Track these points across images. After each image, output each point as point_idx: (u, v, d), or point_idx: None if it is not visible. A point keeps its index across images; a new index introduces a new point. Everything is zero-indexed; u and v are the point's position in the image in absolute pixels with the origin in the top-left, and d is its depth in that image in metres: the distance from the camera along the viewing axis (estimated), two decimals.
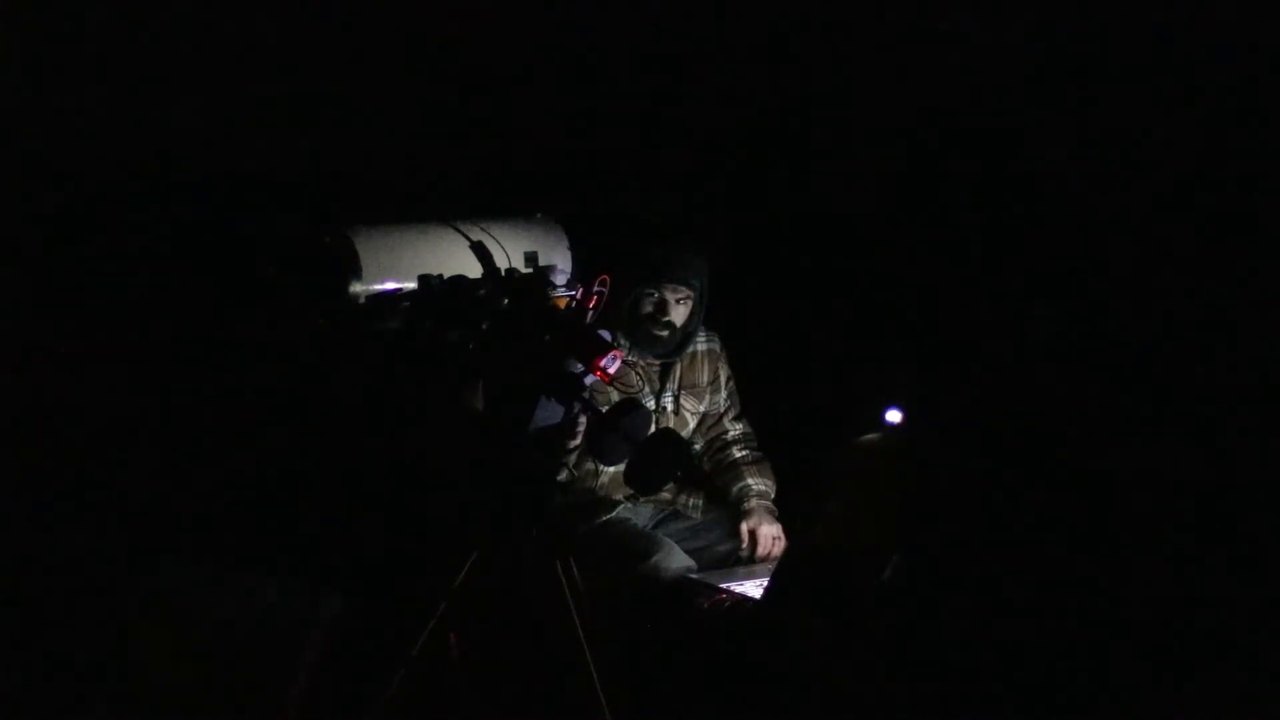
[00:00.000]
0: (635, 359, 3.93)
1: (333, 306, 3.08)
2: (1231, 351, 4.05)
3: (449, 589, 3.13)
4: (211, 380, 4.47)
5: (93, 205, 4.42)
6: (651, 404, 3.98)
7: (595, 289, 3.12)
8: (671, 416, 4.03)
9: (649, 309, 3.91)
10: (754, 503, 4.05)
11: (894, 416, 3.18)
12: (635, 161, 4.77)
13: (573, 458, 3.73)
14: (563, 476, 3.86)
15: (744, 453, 4.15)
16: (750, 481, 4.08)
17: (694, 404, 4.09)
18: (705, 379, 4.10)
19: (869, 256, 4.64)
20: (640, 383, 3.95)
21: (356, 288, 3.05)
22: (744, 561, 3.99)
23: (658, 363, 4.00)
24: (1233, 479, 3.93)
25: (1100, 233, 4.28)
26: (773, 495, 4.09)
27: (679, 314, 3.93)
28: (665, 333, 3.92)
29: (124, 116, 4.44)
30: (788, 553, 3.86)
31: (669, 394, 4.03)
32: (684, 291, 3.91)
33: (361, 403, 4.42)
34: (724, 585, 3.71)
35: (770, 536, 4.00)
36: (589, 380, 3.06)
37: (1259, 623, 3.59)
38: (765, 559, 3.97)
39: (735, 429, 4.18)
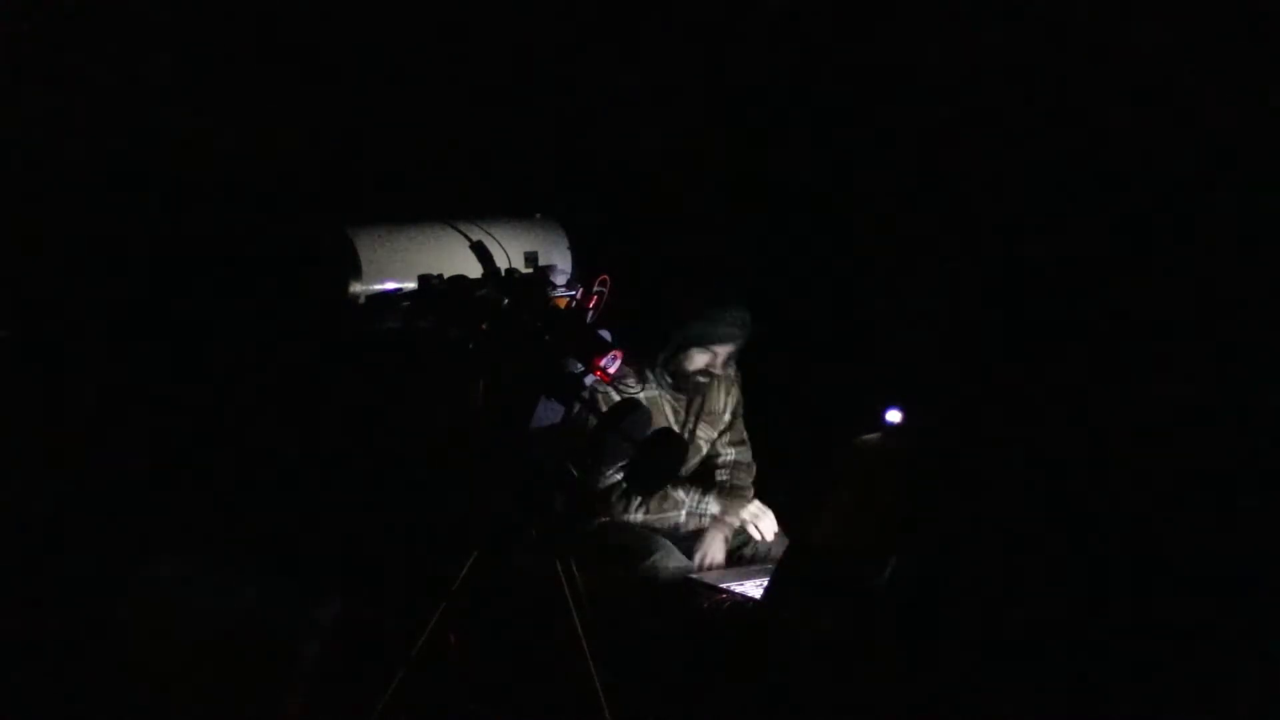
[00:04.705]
0: (663, 393, 3.98)
1: (333, 306, 3.07)
2: (1227, 350, 4.06)
3: (449, 589, 3.13)
4: (211, 380, 4.47)
5: (93, 205, 4.42)
6: None
7: (595, 289, 3.12)
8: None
9: (700, 363, 3.95)
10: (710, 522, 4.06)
11: (894, 416, 3.18)
12: (635, 159, 4.77)
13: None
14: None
15: (724, 477, 4.16)
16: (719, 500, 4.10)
17: (708, 431, 4.13)
18: (721, 405, 4.13)
19: (870, 255, 4.64)
20: (675, 416, 4.00)
21: (356, 288, 3.05)
22: (744, 561, 4.00)
23: (684, 396, 4.04)
24: (1232, 478, 3.93)
25: (1101, 233, 4.28)
26: (733, 518, 4.07)
27: (722, 363, 4.00)
28: (706, 379, 3.98)
29: (124, 116, 4.44)
30: (788, 553, 3.85)
31: (690, 423, 4.06)
32: (735, 345, 3.97)
33: (361, 403, 4.42)
34: (724, 585, 3.72)
35: (712, 555, 4.00)
36: (589, 380, 3.06)
37: (1258, 622, 3.60)
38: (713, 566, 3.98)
39: (728, 454, 4.19)
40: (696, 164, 4.77)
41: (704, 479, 4.12)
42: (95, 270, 4.41)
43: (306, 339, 4.22)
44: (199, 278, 4.47)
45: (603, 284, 3.12)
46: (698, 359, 3.95)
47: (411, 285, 3.07)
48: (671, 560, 3.88)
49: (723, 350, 3.96)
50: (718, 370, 4.00)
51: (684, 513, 4.01)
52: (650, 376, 3.97)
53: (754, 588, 3.69)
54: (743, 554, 4.05)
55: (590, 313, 3.10)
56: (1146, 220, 4.18)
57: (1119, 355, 4.18)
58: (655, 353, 3.94)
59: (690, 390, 4.01)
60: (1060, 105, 4.27)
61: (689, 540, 4.00)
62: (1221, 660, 3.51)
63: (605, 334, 3.08)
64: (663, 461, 3.02)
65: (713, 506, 4.02)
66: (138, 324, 4.42)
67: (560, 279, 3.25)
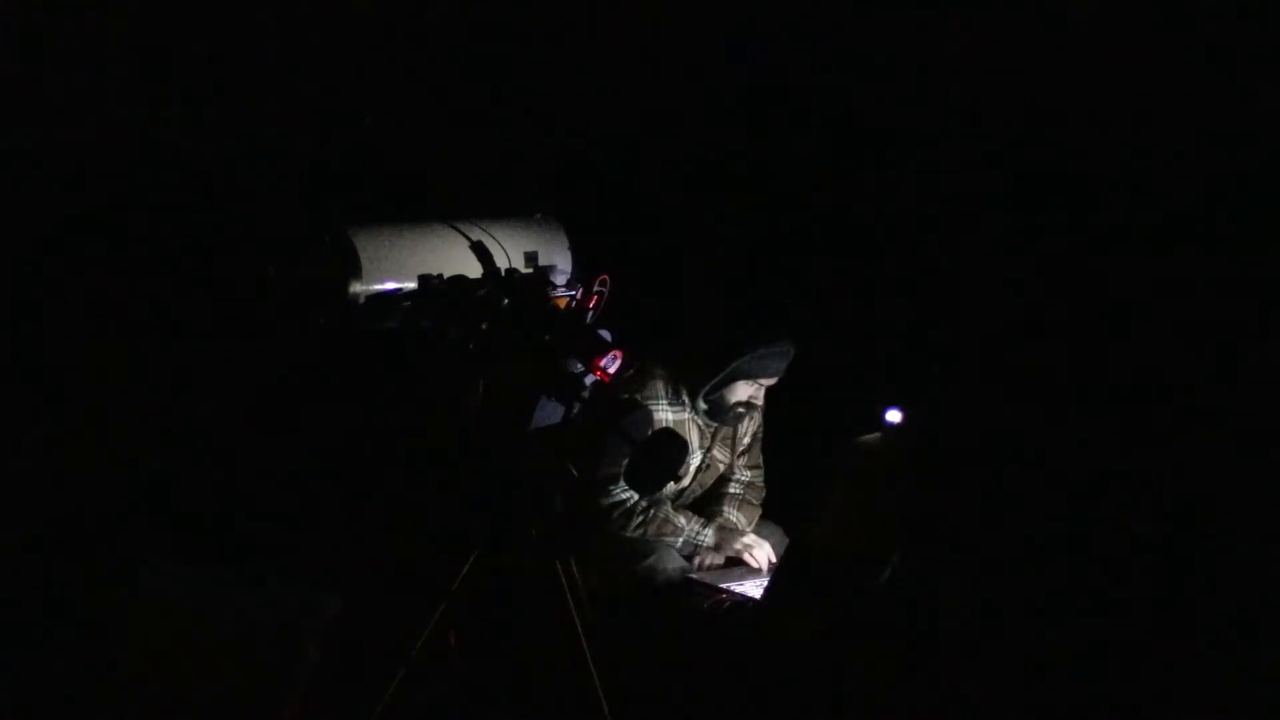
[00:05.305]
0: (693, 417, 3.97)
1: (333, 306, 3.07)
2: (1226, 358, 4.06)
3: (449, 589, 3.13)
4: (211, 380, 4.47)
5: (94, 205, 4.42)
6: (697, 459, 4.01)
7: (595, 289, 3.12)
8: (704, 469, 4.07)
9: (743, 395, 3.95)
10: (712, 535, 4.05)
11: (894, 416, 3.17)
12: (636, 158, 4.77)
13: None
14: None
15: (737, 490, 4.16)
16: (726, 510, 4.09)
17: (726, 454, 4.12)
18: (744, 429, 4.12)
19: (870, 257, 4.64)
20: (701, 440, 3.99)
21: (356, 288, 3.04)
22: (744, 561, 4.00)
23: (714, 425, 4.03)
24: (1229, 479, 3.94)
25: (1100, 235, 4.28)
26: (727, 549, 4.05)
27: (764, 395, 3.99)
28: (744, 411, 3.98)
29: (125, 117, 4.44)
30: (788, 553, 3.85)
31: (711, 445, 4.06)
32: (779, 378, 3.97)
33: (361, 403, 4.42)
34: (724, 585, 3.71)
35: (710, 560, 4.00)
36: (589, 380, 3.05)
37: (1257, 621, 3.60)
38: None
39: (743, 476, 4.18)
40: (696, 163, 4.78)
41: (709, 505, 4.11)
42: (95, 270, 4.41)
43: (306, 339, 4.22)
44: (199, 278, 4.48)
45: (603, 284, 3.12)
46: (742, 391, 3.94)
47: (411, 285, 3.06)
48: (670, 561, 3.89)
49: (768, 383, 3.96)
50: (759, 403, 3.99)
51: (680, 540, 3.99)
52: (684, 399, 3.96)
53: (754, 588, 3.69)
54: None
55: (590, 313, 3.10)
56: (1148, 219, 4.19)
57: (1120, 355, 4.18)
58: (698, 380, 3.92)
59: (725, 420, 3.99)
60: (1061, 105, 4.28)
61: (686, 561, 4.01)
62: (1222, 660, 3.51)
63: (605, 334, 3.07)
64: (663, 462, 3.02)
65: (709, 539, 4.00)
66: (138, 324, 4.43)
67: (560, 279, 3.24)
